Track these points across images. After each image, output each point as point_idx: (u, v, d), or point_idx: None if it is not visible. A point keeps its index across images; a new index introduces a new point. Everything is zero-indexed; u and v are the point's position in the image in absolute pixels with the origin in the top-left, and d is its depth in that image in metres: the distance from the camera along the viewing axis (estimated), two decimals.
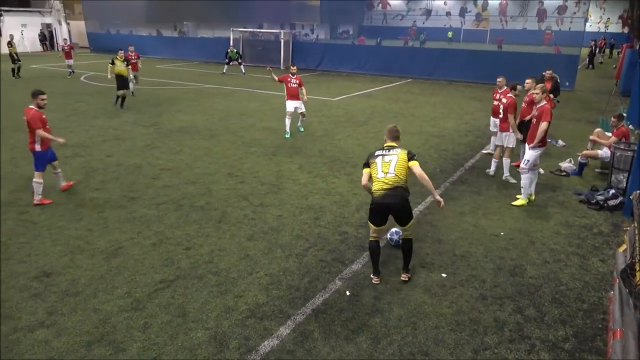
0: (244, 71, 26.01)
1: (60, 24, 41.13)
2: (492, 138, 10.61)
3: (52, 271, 5.79)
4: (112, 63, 15.91)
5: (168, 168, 9.77)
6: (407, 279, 5.69)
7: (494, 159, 9.75)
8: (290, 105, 12.33)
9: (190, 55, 33.23)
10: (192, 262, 6.05)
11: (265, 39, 32.58)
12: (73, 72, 24.01)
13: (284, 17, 33.38)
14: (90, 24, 40.22)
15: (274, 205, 7.94)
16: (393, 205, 5.38)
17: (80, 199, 8.05)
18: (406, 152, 5.54)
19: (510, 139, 9.16)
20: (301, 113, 12.69)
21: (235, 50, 26.58)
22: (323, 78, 25.27)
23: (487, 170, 9.88)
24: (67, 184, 8.47)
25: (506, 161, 9.33)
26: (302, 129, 13.09)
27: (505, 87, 9.81)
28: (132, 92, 17.97)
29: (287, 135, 12.46)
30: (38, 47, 39.77)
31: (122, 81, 15.86)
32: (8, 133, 12.26)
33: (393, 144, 5.67)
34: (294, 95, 12.26)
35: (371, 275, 5.73)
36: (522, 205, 8.09)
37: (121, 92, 15.78)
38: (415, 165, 5.48)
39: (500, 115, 9.30)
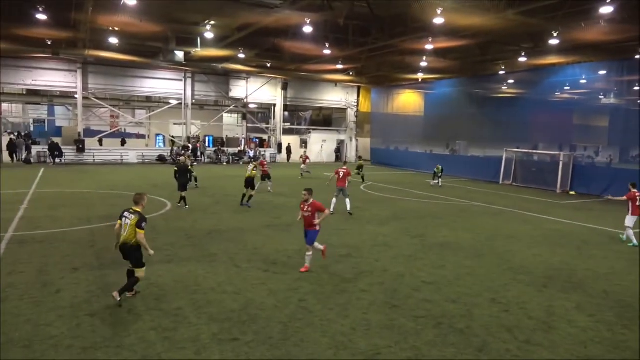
0: (440, 184, 27.62)
1: (351, 140, 49.39)
2: None
3: None
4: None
5: (429, 282, 9.73)
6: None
7: None
8: (631, 220, 13.53)
9: (460, 172, 34.12)
10: None
11: (540, 160, 31.15)
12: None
13: (564, 139, 31.31)
14: (375, 141, 46.45)
15: (543, 346, 6.96)
16: None
17: (348, 297, 8.69)
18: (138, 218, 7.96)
19: None
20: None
21: (440, 167, 28.20)
22: (610, 207, 21.72)
23: None
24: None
25: None
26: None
27: None
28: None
29: (632, 244, 13.45)
30: (332, 159, 48.49)
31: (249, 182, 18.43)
32: None
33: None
34: None
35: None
36: None
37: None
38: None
39: None
